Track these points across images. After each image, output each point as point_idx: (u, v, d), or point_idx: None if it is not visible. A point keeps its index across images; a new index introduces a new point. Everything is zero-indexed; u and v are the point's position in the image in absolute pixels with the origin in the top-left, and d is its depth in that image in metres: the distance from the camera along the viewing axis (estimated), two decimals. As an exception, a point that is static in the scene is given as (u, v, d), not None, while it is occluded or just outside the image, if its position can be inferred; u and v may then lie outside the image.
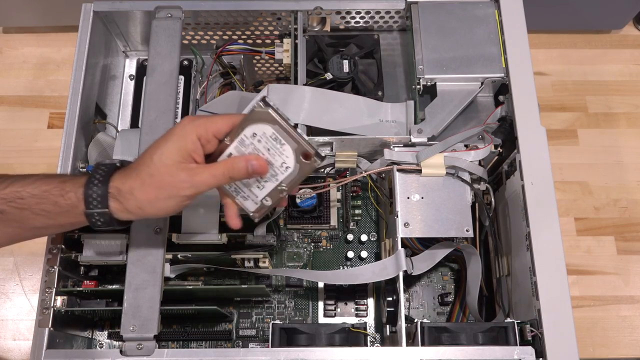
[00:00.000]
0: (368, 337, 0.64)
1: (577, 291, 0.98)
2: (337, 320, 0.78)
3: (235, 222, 0.58)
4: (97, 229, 0.54)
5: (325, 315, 0.78)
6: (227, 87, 0.85)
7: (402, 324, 0.61)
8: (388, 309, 0.65)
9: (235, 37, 0.83)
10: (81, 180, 0.53)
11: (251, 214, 0.58)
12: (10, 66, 1.16)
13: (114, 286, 0.74)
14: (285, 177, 0.55)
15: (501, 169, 0.74)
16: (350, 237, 0.81)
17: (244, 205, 0.58)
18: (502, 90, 0.72)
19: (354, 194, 0.83)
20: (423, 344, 0.61)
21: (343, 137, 0.69)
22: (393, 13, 0.78)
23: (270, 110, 0.52)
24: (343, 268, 0.81)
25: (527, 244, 0.63)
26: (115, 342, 0.77)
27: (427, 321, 0.62)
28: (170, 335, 0.77)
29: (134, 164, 0.54)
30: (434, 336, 0.61)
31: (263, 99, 0.52)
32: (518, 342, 0.60)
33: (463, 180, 0.67)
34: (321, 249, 0.82)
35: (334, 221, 0.80)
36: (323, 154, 0.54)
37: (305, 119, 0.69)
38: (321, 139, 0.69)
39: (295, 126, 0.53)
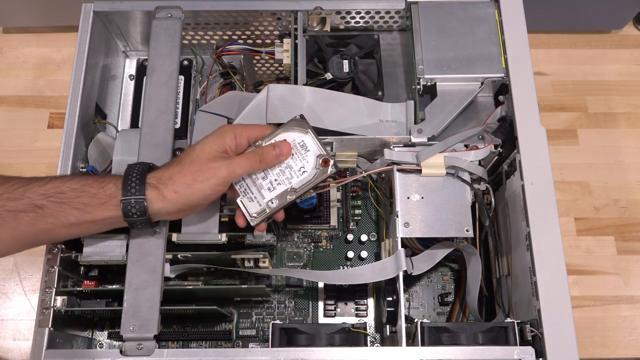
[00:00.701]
0: (368, 337, 0.63)
1: (577, 291, 0.98)
2: (337, 320, 0.78)
3: (240, 221, 0.64)
4: (129, 220, 0.57)
5: (325, 315, 0.78)
6: (227, 87, 0.85)
7: (402, 324, 0.61)
8: (388, 309, 0.65)
9: (235, 37, 0.83)
10: (119, 175, 0.58)
11: (250, 218, 0.62)
12: (10, 66, 1.16)
13: (114, 286, 0.74)
14: (299, 180, 0.62)
15: (501, 169, 0.74)
16: (350, 237, 0.81)
17: (246, 207, 0.62)
18: (502, 90, 0.72)
19: (354, 194, 0.83)
20: (423, 344, 0.61)
21: (343, 137, 0.69)
22: (393, 13, 0.78)
23: (306, 122, 0.63)
24: (343, 268, 0.81)
25: (527, 244, 0.63)
26: (115, 342, 0.77)
27: (427, 321, 0.62)
28: (170, 335, 0.77)
29: (176, 158, 0.60)
30: (434, 336, 0.61)
31: (302, 115, 0.63)
32: (518, 342, 0.60)
33: (463, 180, 0.67)
34: (321, 249, 0.82)
35: (334, 221, 0.80)
36: (339, 166, 0.63)
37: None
38: (321, 138, 0.69)
39: (321, 140, 0.63)
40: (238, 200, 0.62)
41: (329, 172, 0.62)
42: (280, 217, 0.65)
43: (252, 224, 0.63)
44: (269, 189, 0.62)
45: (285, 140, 0.62)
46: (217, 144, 0.59)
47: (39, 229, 0.55)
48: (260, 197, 0.62)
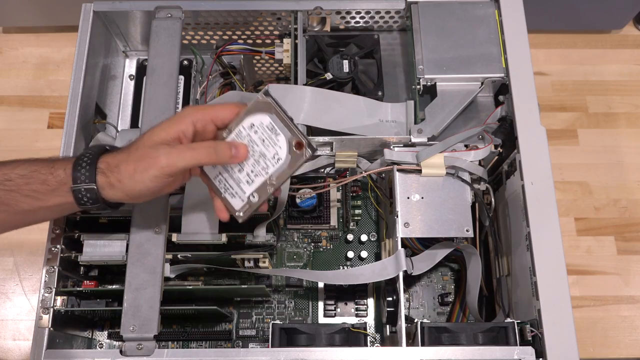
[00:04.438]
0: (368, 337, 0.63)
1: (577, 291, 0.98)
2: (337, 320, 0.78)
3: (224, 215, 0.59)
4: (83, 207, 0.55)
5: (325, 315, 0.78)
6: (227, 87, 0.85)
7: (402, 324, 0.61)
8: (388, 309, 0.65)
9: (235, 37, 0.83)
10: (70, 159, 0.55)
11: (236, 214, 0.59)
12: (10, 66, 1.16)
13: (114, 286, 0.74)
14: (276, 169, 0.57)
15: (501, 169, 0.74)
16: (350, 237, 0.81)
17: (230, 203, 0.59)
18: (502, 90, 0.72)
19: (354, 194, 0.83)
20: (423, 344, 0.61)
21: (343, 137, 0.69)
22: (393, 13, 0.78)
23: (270, 100, 0.55)
24: (343, 268, 0.81)
25: (527, 244, 0.63)
26: (115, 342, 0.77)
27: (427, 321, 0.62)
28: (170, 335, 0.77)
29: (128, 143, 0.56)
30: (434, 336, 0.61)
31: (265, 91, 0.56)
32: (518, 342, 0.60)
33: (463, 180, 0.67)
34: (321, 249, 0.82)
35: (334, 221, 0.80)
36: (315, 146, 0.56)
37: (305, 119, 0.69)
38: (321, 139, 0.69)
39: (292, 119, 0.56)
40: (222, 197, 0.59)
41: (304, 156, 0.55)
42: (264, 209, 0.62)
43: (239, 221, 0.59)
44: (247, 182, 0.58)
45: (242, 143, 0.57)
46: (168, 131, 0.54)
47: None
48: (241, 192, 0.58)
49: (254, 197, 0.58)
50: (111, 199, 0.55)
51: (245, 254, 0.69)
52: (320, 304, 0.79)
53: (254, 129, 0.57)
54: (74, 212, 0.58)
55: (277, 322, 0.64)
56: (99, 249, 0.66)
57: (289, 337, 0.64)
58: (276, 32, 0.81)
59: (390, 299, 0.64)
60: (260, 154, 0.57)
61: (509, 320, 0.62)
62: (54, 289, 0.63)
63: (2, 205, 0.53)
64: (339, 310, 0.79)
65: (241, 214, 0.59)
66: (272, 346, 0.62)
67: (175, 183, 0.56)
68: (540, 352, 0.58)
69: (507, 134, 0.69)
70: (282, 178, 0.57)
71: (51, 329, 0.62)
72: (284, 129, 0.56)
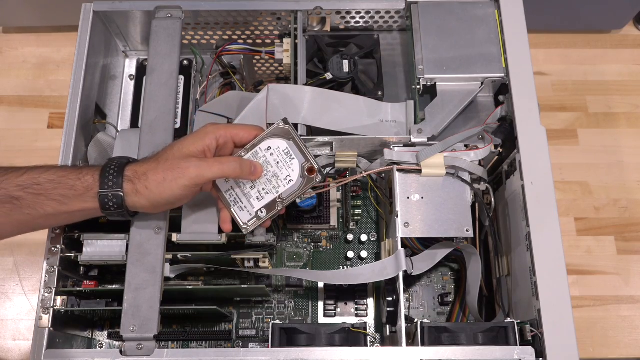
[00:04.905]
0: (368, 337, 0.63)
1: (577, 291, 0.98)
2: (337, 320, 0.78)
3: (227, 227, 0.64)
4: (106, 213, 0.57)
5: (325, 315, 0.78)
6: (227, 87, 0.85)
7: (402, 324, 0.61)
8: (388, 309, 0.65)
9: (235, 37, 0.83)
10: (97, 167, 0.58)
11: (243, 226, 0.63)
12: (10, 66, 1.16)
13: (114, 286, 0.74)
14: (286, 189, 0.63)
15: (501, 169, 0.74)
16: (350, 237, 0.81)
17: (238, 216, 0.64)
18: (502, 90, 0.72)
19: (354, 194, 0.83)
20: (423, 344, 0.61)
21: (343, 137, 0.69)
22: (393, 13, 0.78)
23: (290, 128, 0.62)
24: (343, 268, 0.81)
25: (527, 244, 0.63)
26: (115, 342, 0.77)
27: (427, 321, 0.62)
28: (170, 335, 0.77)
29: (154, 154, 0.60)
30: (434, 336, 0.61)
31: (284, 119, 0.63)
32: (518, 342, 0.60)
33: (463, 180, 0.67)
34: (321, 249, 0.82)
35: (334, 221, 0.80)
36: (325, 173, 0.63)
37: (305, 119, 0.69)
38: (321, 139, 0.69)
39: (306, 147, 0.62)
40: (230, 209, 0.63)
41: (315, 181, 0.62)
42: (267, 224, 0.65)
43: (244, 232, 0.64)
44: (257, 198, 0.63)
45: (259, 163, 0.62)
46: (195, 145, 0.58)
47: (16, 220, 0.55)
48: (250, 207, 0.63)
49: (262, 212, 0.63)
50: (133, 206, 0.58)
51: (245, 254, 0.69)
52: (320, 304, 0.79)
53: (270, 152, 0.63)
54: (93, 218, 0.60)
55: (277, 322, 0.64)
56: (99, 249, 0.66)
57: (289, 337, 0.64)
58: (276, 32, 0.81)
59: (390, 299, 0.64)
60: (273, 174, 0.63)
61: (509, 320, 0.62)
62: (54, 289, 0.63)
63: (27, 208, 0.55)
64: (339, 310, 0.79)
65: (247, 226, 0.64)
66: (272, 346, 0.62)
67: (195, 194, 0.60)
68: (540, 352, 0.58)
69: (507, 134, 0.69)
70: (290, 198, 0.63)
71: (51, 329, 0.62)
72: (299, 154, 0.62)
